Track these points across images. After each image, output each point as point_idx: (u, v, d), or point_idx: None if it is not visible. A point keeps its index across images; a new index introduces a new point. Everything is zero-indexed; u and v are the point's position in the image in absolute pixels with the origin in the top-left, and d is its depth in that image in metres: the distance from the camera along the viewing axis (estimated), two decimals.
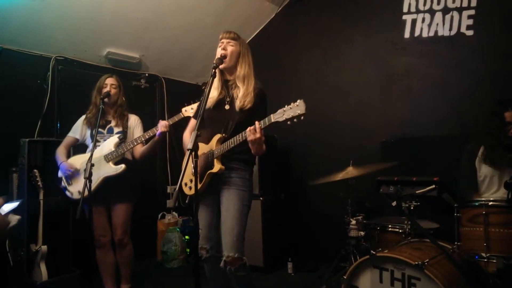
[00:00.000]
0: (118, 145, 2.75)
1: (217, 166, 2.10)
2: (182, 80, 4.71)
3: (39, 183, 2.94)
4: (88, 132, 2.89)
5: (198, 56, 4.36)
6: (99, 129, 2.78)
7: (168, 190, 4.49)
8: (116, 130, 2.88)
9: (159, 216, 4.28)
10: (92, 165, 2.39)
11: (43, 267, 2.88)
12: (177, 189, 1.68)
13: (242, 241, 2.07)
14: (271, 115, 1.89)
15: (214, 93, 2.20)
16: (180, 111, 2.72)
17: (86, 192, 2.35)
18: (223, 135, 2.13)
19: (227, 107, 2.19)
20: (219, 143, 2.12)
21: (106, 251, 2.83)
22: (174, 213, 4.34)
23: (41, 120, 3.45)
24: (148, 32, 3.84)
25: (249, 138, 1.93)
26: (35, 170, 2.96)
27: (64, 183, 2.81)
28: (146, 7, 3.55)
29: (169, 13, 3.73)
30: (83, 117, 2.94)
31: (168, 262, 3.88)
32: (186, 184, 2.24)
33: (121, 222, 2.80)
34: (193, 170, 1.71)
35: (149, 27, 3.79)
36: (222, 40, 2.20)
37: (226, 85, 2.23)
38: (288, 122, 1.84)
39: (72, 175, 2.77)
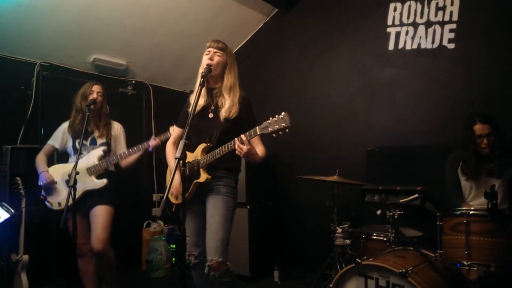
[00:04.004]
0: (101, 158, 2.74)
1: (203, 176, 2.11)
2: (169, 87, 4.70)
3: (21, 191, 2.86)
4: (70, 141, 2.83)
5: (185, 63, 4.37)
6: (83, 141, 2.71)
7: (154, 198, 4.45)
8: (99, 141, 2.84)
9: (144, 224, 4.23)
10: (77, 173, 2.35)
11: (24, 277, 2.80)
12: (164, 198, 1.68)
13: (226, 246, 2.09)
14: (257, 127, 1.93)
15: (200, 101, 2.21)
16: (168, 130, 2.70)
17: (71, 201, 2.31)
18: (208, 144, 2.15)
19: (210, 115, 2.21)
20: (204, 152, 2.14)
21: (87, 259, 2.78)
22: (159, 221, 4.30)
23: (24, 126, 3.38)
24: (136, 39, 3.83)
25: (241, 156, 1.98)
26: (17, 178, 2.89)
27: (43, 192, 2.79)
28: (134, 13, 3.55)
29: (157, 20, 3.74)
30: (65, 124, 2.88)
31: (153, 272, 3.83)
32: (172, 194, 2.24)
33: (100, 223, 2.65)
34: (180, 179, 1.72)
35: (137, 34, 3.78)
36: (209, 49, 2.21)
37: (210, 93, 2.25)
38: (274, 135, 1.88)
39: (51, 187, 2.75)
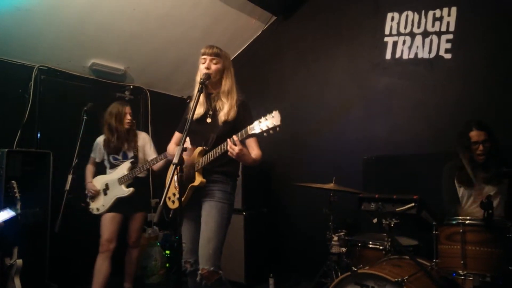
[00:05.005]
0: (130, 169, 3.08)
1: (198, 179, 2.10)
2: (167, 92, 4.71)
3: (17, 194, 2.84)
4: (106, 155, 3.19)
5: (183, 69, 4.38)
6: (115, 155, 3.15)
7: (152, 204, 4.42)
8: (129, 154, 3.18)
9: None
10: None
11: (17, 282, 2.76)
12: (161, 203, 1.67)
13: (219, 255, 2.06)
14: (247, 127, 1.91)
15: (199, 109, 2.21)
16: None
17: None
18: (204, 147, 2.14)
19: (208, 120, 2.22)
20: (201, 155, 2.13)
21: (105, 258, 2.94)
22: (155, 227, 4.27)
23: (21, 130, 3.37)
24: (134, 44, 3.84)
25: (233, 156, 1.96)
26: (13, 182, 2.86)
27: (88, 199, 3.15)
28: (132, 19, 3.56)
29: (156, 25, 3.75)
30: (100, 139, 3.20)
31: (147, 278, 3.80)
32: (169, 198, 2.23)
33: (137, 228, 3.23)
34: (176, 184, 1.71)
35: (135, 39, 3.79)
36: (205, 57, 2.20)
37: (208, 98, 2.26)
38: (265, 134, 1.85)
39: (93, 195, 3.12)
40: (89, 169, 3.26)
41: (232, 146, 1.94)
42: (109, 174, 3.16)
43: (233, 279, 3.48)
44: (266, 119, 1.83)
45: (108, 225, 3.01)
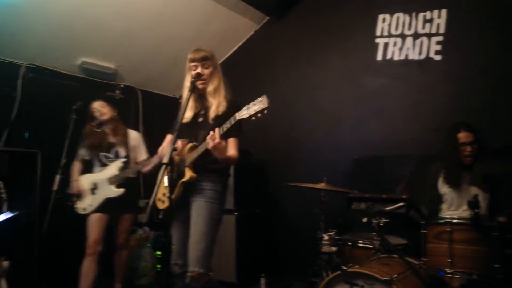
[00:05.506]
0: (121, 169, 2.99)
1: (188, 174, 2.08)
2: (159, 92, 4.67)
3: (3, 195, 2.80)
4: (97, 154, 3.08)
5: (176, 69, 4.32)
6: (106, 154, 3.06)
7: (140, 204, 4.38)
8: (122, 153, 3.09)
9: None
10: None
11: (3, 283, 2.72)
12: (150, 203, 1.66)
13: (209, 256, 2.05)
14: (236, 113, 1.90)
15: (190, 112, 2.22)
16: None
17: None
18: (194, 143, 2.13)
19: (200, 119, 2.23)
20: (191, 151, 2.12)
21: (92, 260, 2.87)
22: (146, 228, 4.23)
23: (8, 129, 3.31)
24: (125, 42, 3.81)
25: (209, 146, 1.94)
26: (0, 182, 2.83)
27: (74, 199, 3.05)
28: (123, 16, 3.52)
29: (147, 24, 3.72)
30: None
31: (138, 279, 3.76)
32: (159, 199, 2.21)
33: (125, 229, 3.14)
34: (166, 184, 1.70)
35: (127, 37, 3.76)
36: (195, 63, 2.19)
37: (199, 99, 2.26)
38: (253, 118, 1.85)
39: (79, 195, 3.03)
40: (76, 166, 3.14)
41: (212, 137, 1.92)
42: (97, 173, 3.06)
43: (224, 279, 3.47)
44: (254, 104, 1.84)
45: (95, 227, 2.92)
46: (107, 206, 2.96)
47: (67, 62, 3.70)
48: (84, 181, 3.06)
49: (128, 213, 3.14)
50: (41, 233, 2.88)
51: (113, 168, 3.02)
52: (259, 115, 1.83)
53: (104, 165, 3.05)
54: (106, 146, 3.05)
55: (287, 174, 4.01)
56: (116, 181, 2.98)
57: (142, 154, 3.18)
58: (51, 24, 3.27)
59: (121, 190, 2.96)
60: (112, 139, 3.09)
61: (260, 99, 1.83)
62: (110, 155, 3.08)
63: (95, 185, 3.03)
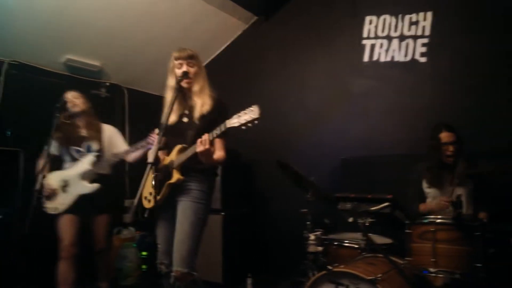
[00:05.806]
0: (94, 164, 2.80)
1: (175, 176, 2.08)
2: (145, 91, 4.62)
3: None
4: (66, 148, 2.87)
5: (162, 67, 4.28)
6: (78, 148, 2.86)
7: (126, 204, 4.33)
8: (94, 147, 2.89)
9: (115, 231, 4.11)
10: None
11: None
12: (135, 203, 1.64)
13: (193, 256, 2.04)
14: (226, 121, 1.90)
15: (175, 113, 2.20)
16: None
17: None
18: (183, 145, 2.13)
19: (185, 119, 2.22)
20: (179, 153, 2.11)
21: (69, 264, 2.71)
22: (131, 228, 4.19)
23: None
24: (111, 40, 3.75)
25: (198, 149, 1.93)
26: None
27: (43, 199, 2.80)
28: (110, 14, 3.47)
29: (134, 22, 3.68)
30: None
31: (122, 279, 3.72)
32: (145, 198, 2.20)
33: (102, 232, 2.92)
34: (153, 184, 1.69)
35: (112, 35, 3.71)
36: (180, 61, 2.18)
37: (184, 99, 2.25)
38: (243, 127, 1.85)
39: (49, 194, 2.78)
40: (41, 163, 2.85)
41: (202, 141, 1.92)
42: (68, 169, 2.84)
43: (210, 279, 3.46)
44: (246, 113, 1.83)
45: (68, 228, 2.72)
46: (79, 205, 2.76)
47: (51, 59, 3.63)
48: (52, 179, 2.82)
49: (103, 214, 2.93)
50: (23, 233, 2.81)
51: (85, 163, 2.81)
52: (249, 124, 1.82)
53: (75, 160, 2.84)
54: (77, 140, 2.84)
55: (274, 174, 4.01)
56: (89, 176, 2.78)
57: (120, 145, 2.99)
58: (35, 19, 3.20)
59: (95, 185, 2.77)
60: (84, 132, 2.89)
61: (252, 108, 1.81)
62: (82, 149, 2.87)
63: (66, 182, 2.80)
